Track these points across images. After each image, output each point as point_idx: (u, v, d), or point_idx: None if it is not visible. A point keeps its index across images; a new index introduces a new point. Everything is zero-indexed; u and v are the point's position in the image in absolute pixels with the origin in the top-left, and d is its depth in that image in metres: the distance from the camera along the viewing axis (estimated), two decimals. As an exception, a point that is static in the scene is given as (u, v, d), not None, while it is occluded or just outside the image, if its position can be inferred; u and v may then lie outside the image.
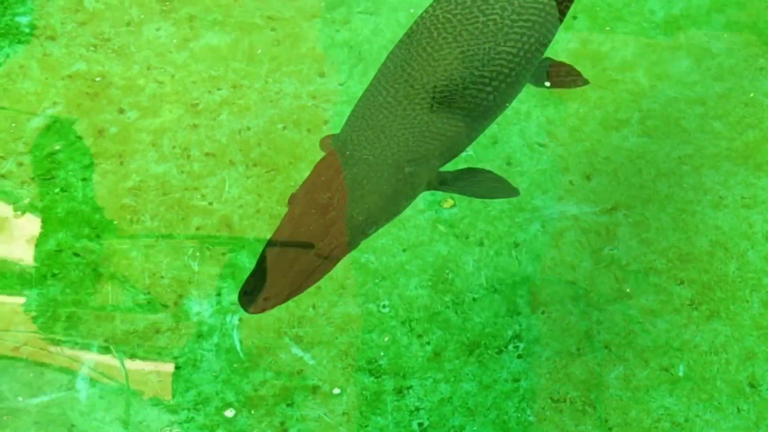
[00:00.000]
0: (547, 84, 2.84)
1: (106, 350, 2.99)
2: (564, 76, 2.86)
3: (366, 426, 2.88)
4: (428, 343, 3.03)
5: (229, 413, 2.91)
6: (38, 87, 3.55)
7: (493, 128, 3.41)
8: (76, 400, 2.91)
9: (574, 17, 3.75)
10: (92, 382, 2.94)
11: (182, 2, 3.81)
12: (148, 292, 3.08)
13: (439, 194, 3.29)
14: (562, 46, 3.68)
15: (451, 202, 3.29)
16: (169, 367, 2.98)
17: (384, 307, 3.09)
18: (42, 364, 2.96)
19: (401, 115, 2.51)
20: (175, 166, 3.38)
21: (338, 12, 3.79)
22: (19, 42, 3.67)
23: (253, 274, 2.32)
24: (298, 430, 2.87)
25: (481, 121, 2.63)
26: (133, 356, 2.99)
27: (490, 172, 2.76)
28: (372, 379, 2.96)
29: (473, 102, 2.56)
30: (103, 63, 3.62)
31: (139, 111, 3.50)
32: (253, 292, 2.29)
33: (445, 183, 2.62)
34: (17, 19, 3.73)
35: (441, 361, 3.00)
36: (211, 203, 3.29)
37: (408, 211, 3.11)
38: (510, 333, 3.05)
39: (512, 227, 3.23)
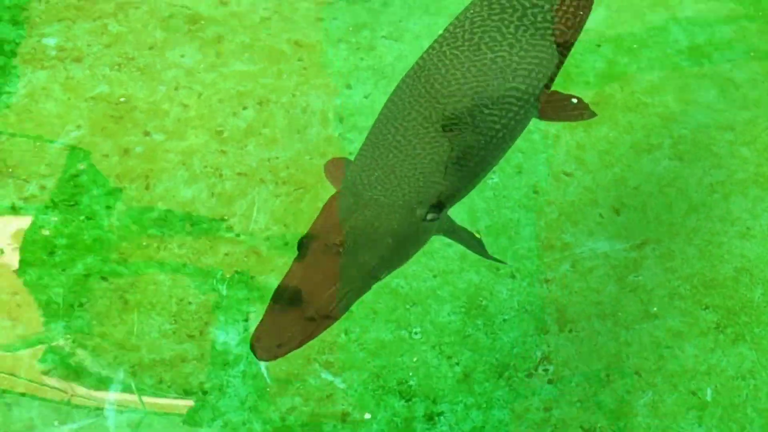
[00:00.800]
0: (555, 118, 2.81)
1: (132, 377, 2.97)
2: (571, 110, 2.81)
3: (398, 455, 2.87)
4: (457, 364, 3.02)
5: (258, 442, 2.90)
6: (61, 109, 3.55)
7: (518, 155, 3.43)
8: (104, 427, 2.88)
9: (599, 45, 3.77)
10: (119, 409, 2.92)
11: (209, 22, 3.84)
12: (175, 321, 3.07)
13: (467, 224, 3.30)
14: (590, 65, 3.71)
15: (478, 236, 3.29)
16: (196, 395, 2.96)
17: (416, 333, 3.08)
18: (70, 391, 2.94)
19: (411, 155, 2.47)
20: (206, 186, 3.39)
21: (362, 35, 3.81)
22: (43, 68, 3.67)
23: (264, 320, 2.27)
24: (329, 457, 2.86)
25: (490, 159, 2.60)
26: (159, 383, 2.97)
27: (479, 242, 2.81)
28: (402, 402, 2.95)
29: (483, 140, 2.52)
30: (126, 85, 3.63)
31: (164, 134, 3.51)
32: (265, 339, 2.24)
33: (453, 231, 2.62)
34: (44, 41, 3.73)
35: (471, 383, 2.99)
36: (238, 235, 3.29)
37: (435, 243, 3.12)
38: (539, 354, 3.04)
39: (541, 266, 3.24)
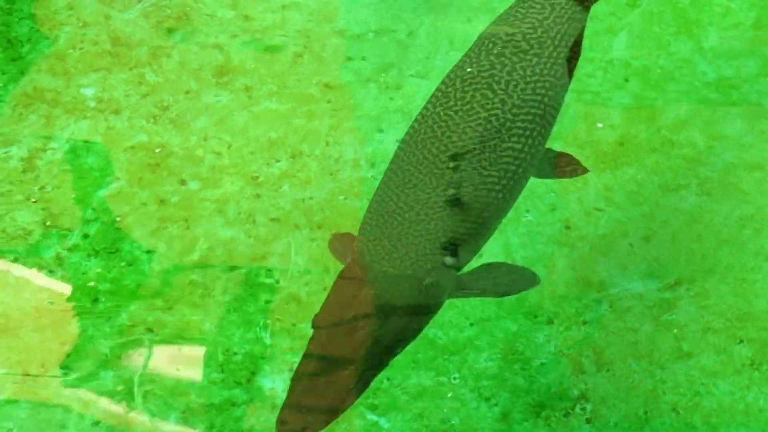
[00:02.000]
0: (552, 176, 2.83)
1: (184, 421, 3.05)
2: (564, 166, 2.81)
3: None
4: (496, 405, 3.08)
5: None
6: (102, 161, 3.63)
7: (550, 195, 3.48)
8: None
9: (626, 80, 3.81)
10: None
11: (238, 74, 3.90)
12: (222, 370, 3.14)
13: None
14: (616, 102, 3.75)
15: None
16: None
17: (455, 378, 3.14)
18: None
19: (415, 221, 2.45)
20: (242, 230, 3.46)
21: (391, 75, 3.87)
22: (85, 118, 3.74)
23: (287, 404, 2.29)
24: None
25: (493, 221, 2.57)
26: (211, 427, 3.04)
27: (504, 264, 2.76)
28: (446, 444, 3.03)
29: (484, 203, 2.50)
30: (162, 134, 3.71)
31: (200, 181, 3.59)
32: (291, 423, 2.26)
33: (463, 288, 2.56)
34: (83, 91, 3.81)
35: (510, 423, 3.05)
36: (278, 281, 3.36)
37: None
38: (576, 392, 3.10)
39: (580, 308, 3.29)
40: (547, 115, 2.61)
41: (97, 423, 3.04)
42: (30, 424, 3.03)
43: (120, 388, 3.10)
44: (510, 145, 2.52)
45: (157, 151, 3.64)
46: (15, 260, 3.37)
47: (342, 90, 3.84)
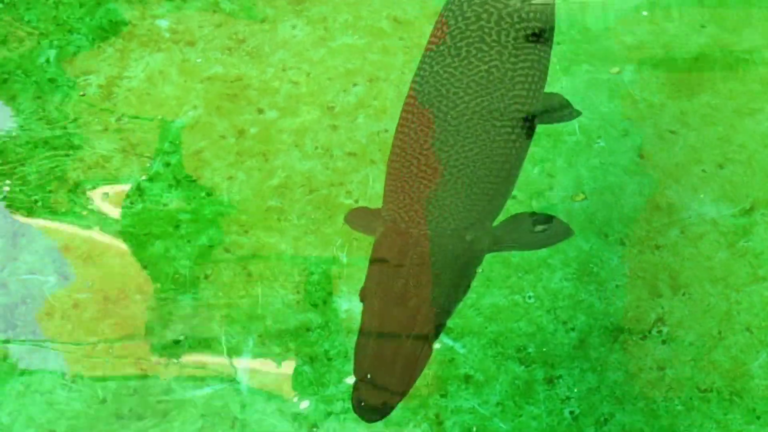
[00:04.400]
0: (549, 121, 2.78)
1: (261, 345, 3.11)
2: (559, 110, 2.78)
3: (520, 416, 2.97)
4: (573, 329, 3.10)
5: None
6: (178, 91, 3.69)
7: (623, 120, 3.47)
8: (237, 392, 3.03)
9: (702, 26, 3.80)
10: (252, 374, 3.07)
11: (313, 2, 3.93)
12: (298, 291, 3.20)
13: (570, 189, 3.35)
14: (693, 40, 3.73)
15: (582, 196, 3.35)
16: (321, 361, 3.09)
17: (530, 297, 3.17)
18: (203, 358, 3.10)
19: (442, 182, 2.45)
20: (320, 163, 3.50)
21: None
22: (160, 50, 3.81)
23: (359, 382, 2.26)
24: (454, 422, 2.96)
25: (513, 170, 2.56)
26: (287, 351, 3.10)
27: (532, 213, 2.74)
28: (522, 368, 3.05)
29: (503, 152, 2.50)
30: (238, 66, 3.75)
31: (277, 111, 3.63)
32: (369, 400, 2.24)
33: (499, 242, 2.55)
34: (158, 22, 3.87)
35: (586, 349, 3.07)
36: (357, 200, 3.39)
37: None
38: (653, 316, 3.10)
39: (651, 231, 3.29)
40: (542, 59, 2.61)
41: (178, 342, 3.11)
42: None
43: (199, 311, 3.17)
44: (516, 92, 2.53)
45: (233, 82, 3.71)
46: (93, 188, 3.46)
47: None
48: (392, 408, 2.25)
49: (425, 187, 2.44)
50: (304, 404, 3.00)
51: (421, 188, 2.44)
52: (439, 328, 2.36)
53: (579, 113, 2.76)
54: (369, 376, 2.26)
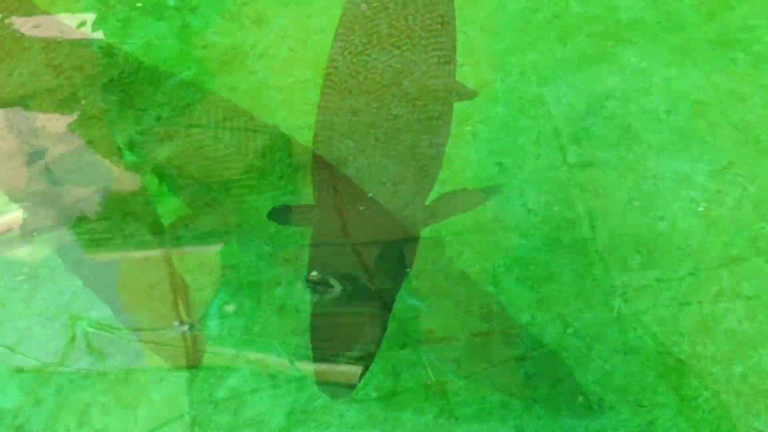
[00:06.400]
0: None
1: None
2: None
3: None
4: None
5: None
6: (176, 55, 3.81)
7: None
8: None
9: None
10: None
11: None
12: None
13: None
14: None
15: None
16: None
17: (499, 267, 3.17)
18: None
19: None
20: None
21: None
22: (161, 19, 3.94)
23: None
24: (410, 375, 2.97)
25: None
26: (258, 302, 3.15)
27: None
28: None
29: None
30: (235, 33, 3.86)
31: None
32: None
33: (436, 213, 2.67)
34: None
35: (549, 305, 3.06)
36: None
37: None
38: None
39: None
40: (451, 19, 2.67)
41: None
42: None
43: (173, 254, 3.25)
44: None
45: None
46: (89, 143, 3.56)
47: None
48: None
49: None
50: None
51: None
52: (391, 297, 2.52)
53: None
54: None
